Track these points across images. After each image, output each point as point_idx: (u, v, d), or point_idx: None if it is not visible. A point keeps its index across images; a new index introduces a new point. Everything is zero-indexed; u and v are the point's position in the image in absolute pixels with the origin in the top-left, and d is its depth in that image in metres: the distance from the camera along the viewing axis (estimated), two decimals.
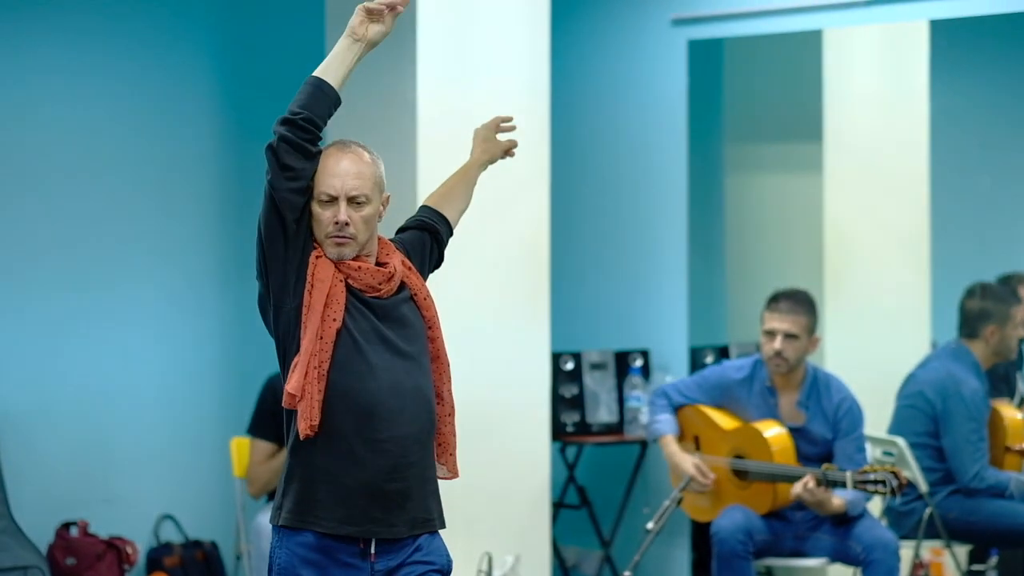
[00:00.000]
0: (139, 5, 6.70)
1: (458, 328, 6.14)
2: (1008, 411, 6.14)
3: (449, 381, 3.69)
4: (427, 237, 3.87)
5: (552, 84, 6.51)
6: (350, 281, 3.57)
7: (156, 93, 6.72)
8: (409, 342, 3.61)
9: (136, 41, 6.67)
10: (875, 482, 5.21)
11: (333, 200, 3.54)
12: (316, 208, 3.55)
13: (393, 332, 3.59)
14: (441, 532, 3.70)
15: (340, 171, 3.55)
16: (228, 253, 6.95)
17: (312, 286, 3.51)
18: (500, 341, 6.27)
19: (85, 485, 6.51)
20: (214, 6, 6.91)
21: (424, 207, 3.96)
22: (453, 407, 3.69)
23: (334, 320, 3.51)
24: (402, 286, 3.65)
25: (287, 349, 3.57)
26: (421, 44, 6.05)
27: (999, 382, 6.31)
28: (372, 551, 3.57)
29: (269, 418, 5.82)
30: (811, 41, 7.05)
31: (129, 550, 6.27)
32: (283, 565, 3.58)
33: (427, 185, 5.89)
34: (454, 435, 3.69)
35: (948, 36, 6.80)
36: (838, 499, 5.44)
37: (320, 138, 3.56)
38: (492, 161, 4.11)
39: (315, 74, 3.54)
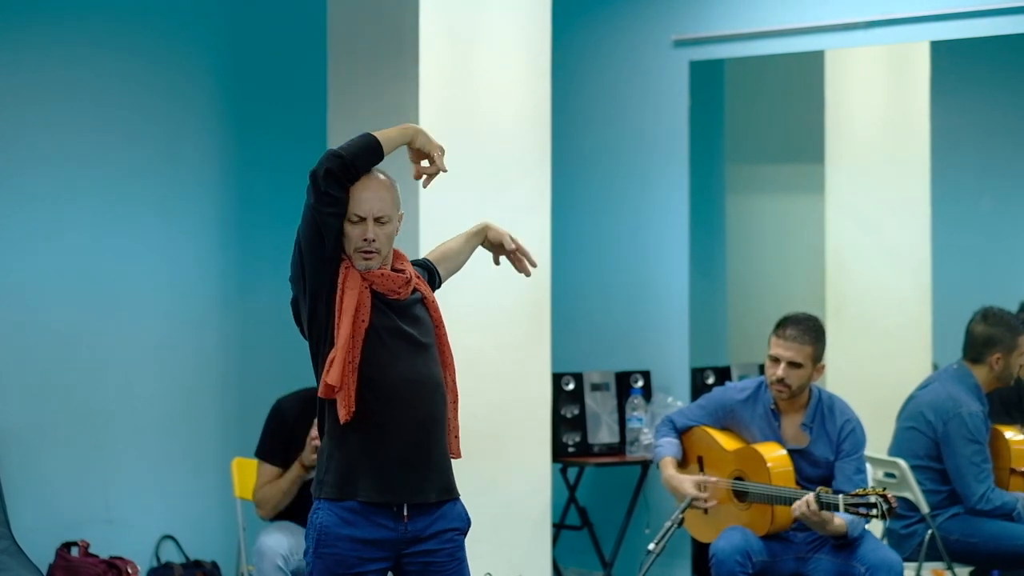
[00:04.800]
0: (142, 8, 6.73)
1: (460, 348, 6.13)
2: (1011, 432, 6.13)
3: (454, 372, 4.25)
4: (428, 272, 4.46)
5: (553, 104, 6.52)
6: (374, 286, 4.11)
7: (158, 110, 6.73)
8: (424, 336, 4.19)
9: (136, 47, 6.69)
10: (867, 505, 5.21)
11: (362, 220, 4.09)
12: (347, 227, 4.10)
13: (410, 328, 4.15)
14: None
15: (368, 195, 4.10)
16: (229, 272, 6.95)
17: (343, 293, 4.08)
18: (501, 361, 6.27)
19: (86, 505, 6.50)
20: (217, 12, 6.93)
21: (423, 259, 4.51)
22: (457, 395, 4.25)
23: (363, 321, 4.08)
24: (414, 290, 4.22)
25: (319, 347, 4.12)
26: (423, 65, 6.06)
27: (1012, 408, 6.30)
28: (405, 514, 4.11)
29: (276, 442, 5.82)
30: (812, 62, 7.06)
31: (130, 570, 6.26)
32: (324, 523, 4.10)
33: (428, 203, 5.91)
34: (457, 420, 4.24)
35: (949, 57, 6.81)
36: (839, 519, 5.43)
37: (356, 180, 4.12)
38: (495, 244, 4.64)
39: (377, 136, 4.10)
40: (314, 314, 4.10)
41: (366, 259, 4.09)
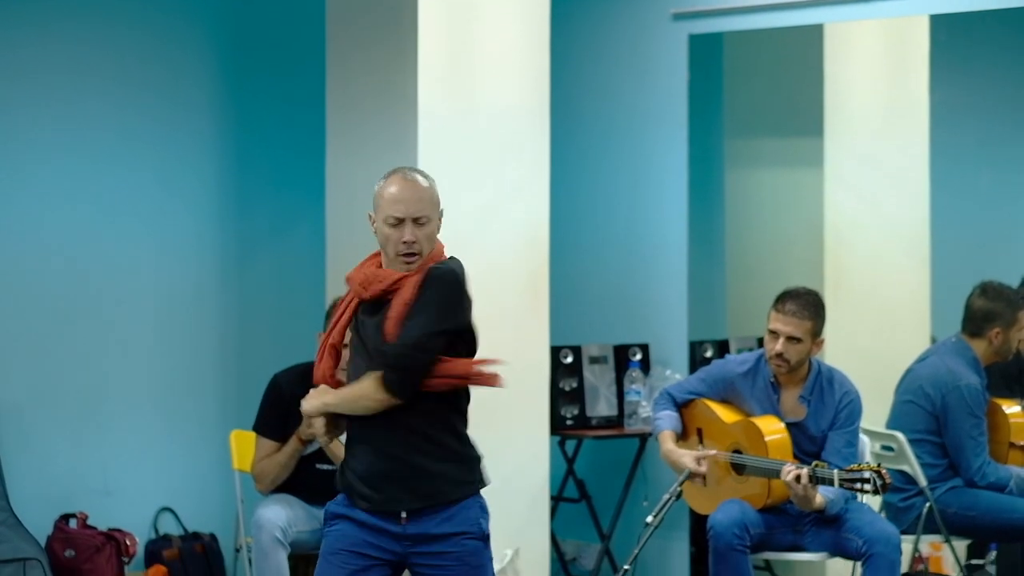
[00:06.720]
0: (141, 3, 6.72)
1: None
2: (1010, 407, 6.13)
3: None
4: None
5: (552, 79, 6.50)
6: (360, 297, 4.15)
7: (155, 80, 6.71)
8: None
9: (135, 17, 6.67)
10: (861, 480, 5.21)
11: (401, 222, 4.06)
12: (385, 229, 4.08)
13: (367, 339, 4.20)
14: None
15: (405, 197, 4.06)
16: (228, 245, 6.94)
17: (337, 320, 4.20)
18: (500, 334, 6.25)
19: (84, 477, 6.51)
20: (217, 9, 6.91)
21: None
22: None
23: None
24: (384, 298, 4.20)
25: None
26: (422, 41, 6.04)
27: (1012, 382, 6.30)
28: (403, 516, 4.12)
29: (274, 417, 5.82)
30: (812, 35, 7.05)
31: (128, 542, 6.27)
32: (332, 509, 4.20)
33: None
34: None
35: (949, 31, 6.79)
36: (820, 498, 5.44)
37: None
38: None
39: None
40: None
41: (407, 262, 4.08)
